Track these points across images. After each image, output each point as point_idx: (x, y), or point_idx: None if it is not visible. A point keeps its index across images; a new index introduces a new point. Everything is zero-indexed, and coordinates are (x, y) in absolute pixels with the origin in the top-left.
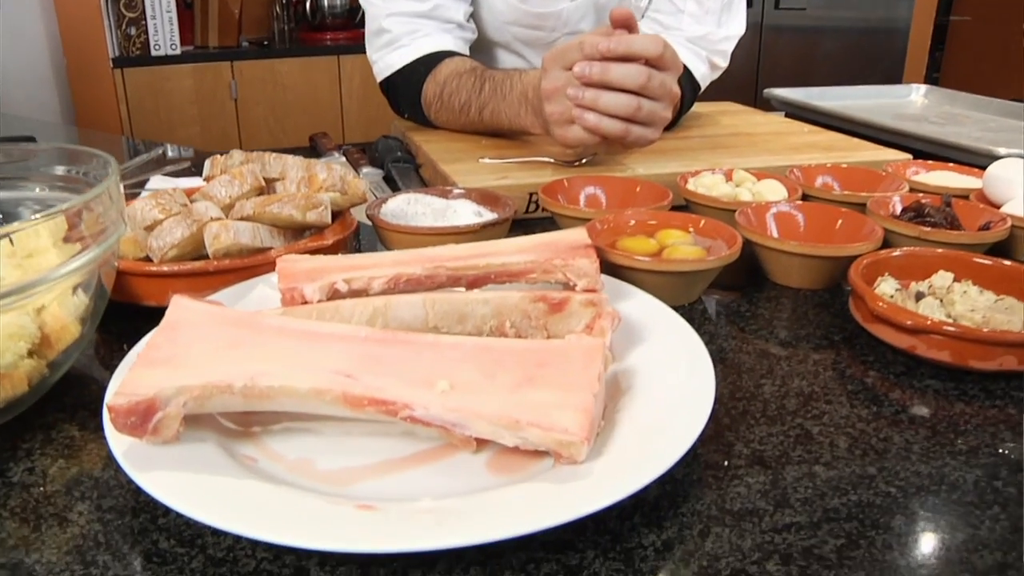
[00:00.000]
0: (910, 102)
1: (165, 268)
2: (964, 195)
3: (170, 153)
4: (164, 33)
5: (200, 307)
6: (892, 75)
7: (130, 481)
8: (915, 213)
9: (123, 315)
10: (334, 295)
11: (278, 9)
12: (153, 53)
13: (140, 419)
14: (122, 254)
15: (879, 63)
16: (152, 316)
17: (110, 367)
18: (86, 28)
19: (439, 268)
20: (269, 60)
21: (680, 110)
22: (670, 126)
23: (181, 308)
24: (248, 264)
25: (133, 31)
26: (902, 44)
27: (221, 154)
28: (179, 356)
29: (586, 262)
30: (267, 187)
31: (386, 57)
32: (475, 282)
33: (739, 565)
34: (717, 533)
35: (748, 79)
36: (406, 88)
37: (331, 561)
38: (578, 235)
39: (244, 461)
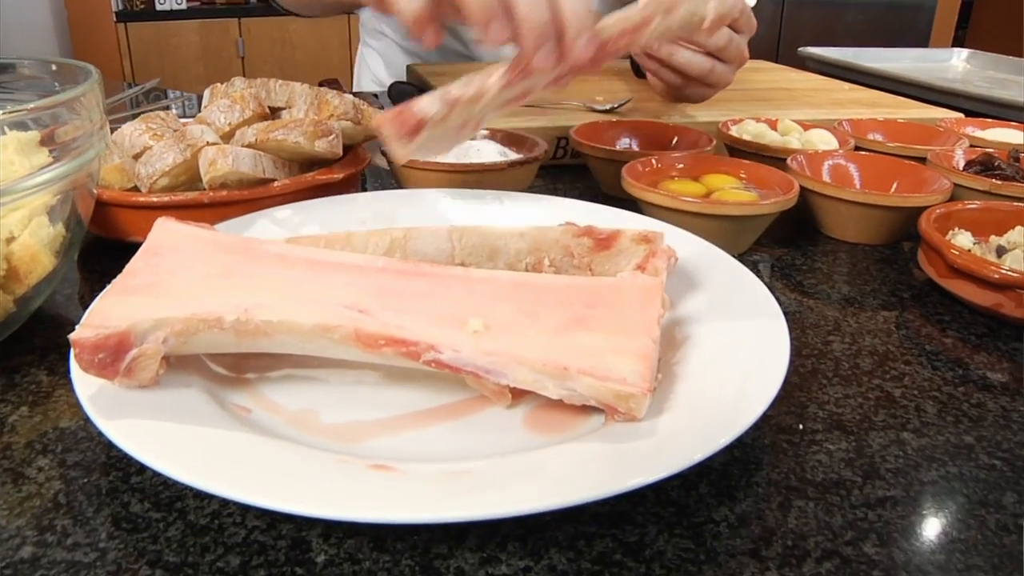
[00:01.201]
0: (951, 66)
1: (154, 199)
2: None
3: (171, 95)
4: None
5: (188, 230)
6: (918, 44)
7: (100, 433)
8: (983, 166)
9: (107, 252)
10: (454, 103)
11: None
12: (158, 7)
13: (111, 356)
14: (107, 183)
15: (904, 36)
16: None
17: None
18: None
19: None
20: (278, 17)
21: None
22: None
23: (166, 231)
24: (248, 196)
25: None
26: (928, 18)
27: (221, 83)
28: (161, 283)
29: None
30: (272, 116)
31: None
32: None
33: (831, 546)
34: (800, 507)
35: (769, 48)
36: None
37: (337, 532)
38: None
39: (236, 411)
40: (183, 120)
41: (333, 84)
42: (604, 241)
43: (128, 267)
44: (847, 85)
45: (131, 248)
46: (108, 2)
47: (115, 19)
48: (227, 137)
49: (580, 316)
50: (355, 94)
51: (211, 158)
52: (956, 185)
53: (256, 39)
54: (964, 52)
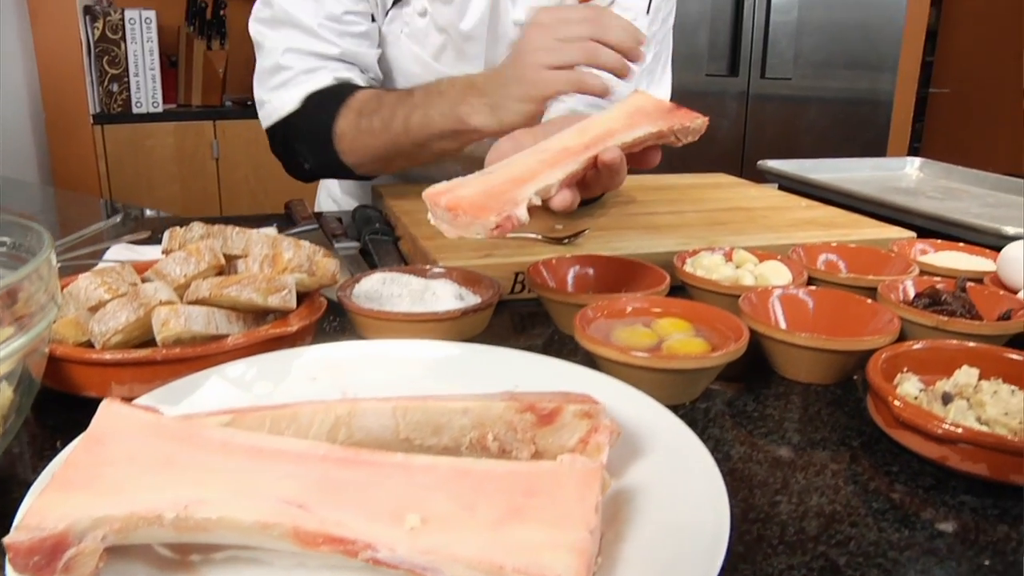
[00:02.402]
0: (905, 175)
1: (107, 356)
2: (978, 278)
3: (148, 213)
4: (147, 90)
5: (132, 415)
6: (876, 144)
7: None
8: (930, 300)
9: (60, 404)
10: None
11: None
12: (135, 110)
13: (46, 558)
14: (60, 337)
15: (864, 132)
16: (93, 407)
17: (38, 468)
18: (67, 83)
19: (588, 159)
20: (252, 120)
21: None
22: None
23: (111, 415)
24: (200, 353)
25: (115, 87)
26: (886, 115)
27: (181, 226)
28: (101, 477)
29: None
30: (228, 264)
31: (281, 95)
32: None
33: None
34: None
35: (735, 146)
36: (308, 124)
37: None
38: (657, 101)
39: None
40: (146, 259)
41: (299, 205)
42: (547, 417)
43: (69, 457)
44: (804, 202)
45: (84, 401)
46: (86, 105)
47: (92, 121)
48: (182, 288)
49: (518, 507)
50: (317, 215)
51: (164, 318)
52: (906, 320)
53: (230, 141)
54: (917, 161)
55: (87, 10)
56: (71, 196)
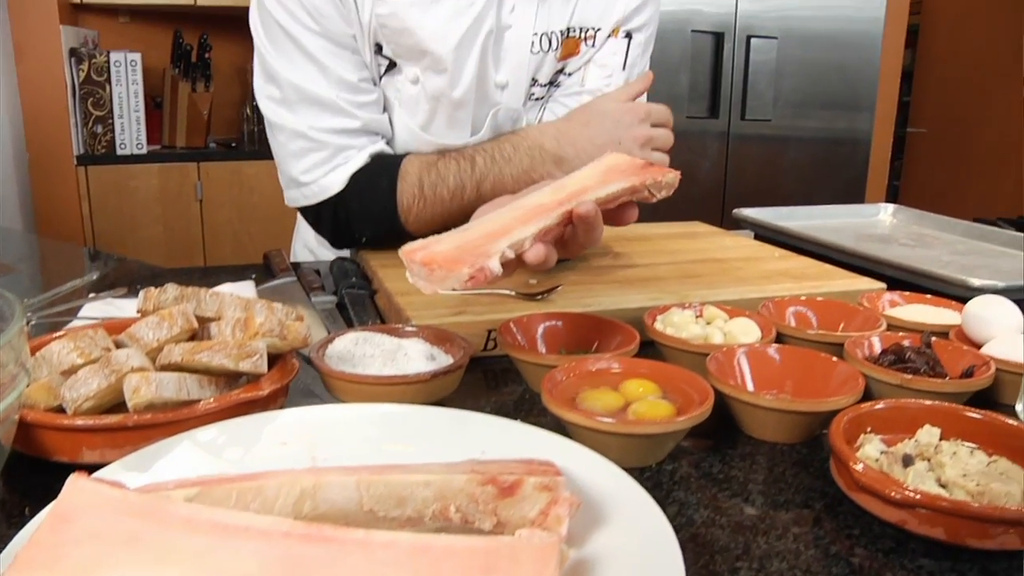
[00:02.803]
0: (878, 221)
1: (79, 422)
2: (944, 331)
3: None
4: (131, 132)
5: (99, 490)
6: (856, 183)
7: None
8: (895, 357)
9: (30, 468)
10: (507, 263)
11: (248, 110)
12: (119, 152)
13: None
14: (32, 402)
15: (843, 172)
16: (64, 472)
17: (5, 536)
18: (51, 124)
19: (562, 215)
20: (236, 162)
21: None
22: None
23: (77, 491)
24: (172, 419)
25: (99, 129)
26: (865, 154)
27: (156, 287)
28: (65, 557)
29: (672, 176)
30: (201, 326)
31: (322, 179)
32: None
33: None
34: None
35: (716, 186)
36: (366, 202)
37: None
38: (629, 159)
39: None
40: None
41: (277, 256)
42: (508, 489)
43: (34, 536)
44: (778, 252)
45: (54, 466)
46: (70, 146)
47: (76, 163)
48: (154, 352)
49: None
50: (295, 266)
51: (135, 385)
52: (870, 378)
53: (214, 182)
54: (891, 207)
55: (73, 52)
56: (51, 244)
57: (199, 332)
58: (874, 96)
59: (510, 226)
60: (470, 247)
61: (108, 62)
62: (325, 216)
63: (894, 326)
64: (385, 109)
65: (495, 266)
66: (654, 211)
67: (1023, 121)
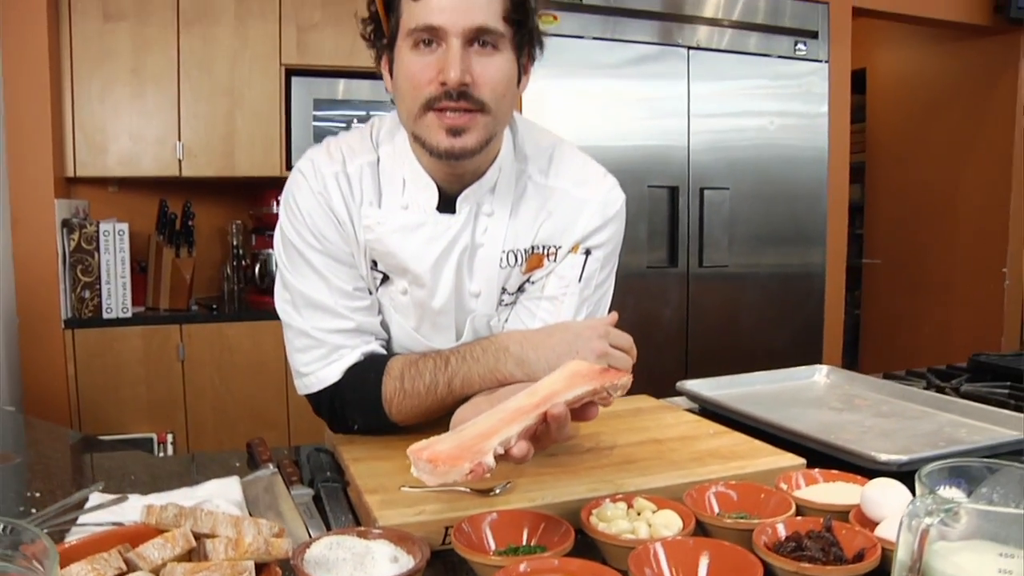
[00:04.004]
0: (814, 383)
1: None
2: (845, 512)
3: (94, 497)
4: (117, 296)
5: None
6: (815, 314)
7: None
8: (795, 544)
9: None
10: (497, 457)
11: (228, 270)
12: (105, 315)
13: None
14: None
15: (801, 304)
16: None
17: None
18: (42, 290)
19: (539, 415)
20: (217, 323)
21: None
22: None
23: None
24: None
25: (87, 294)
26: (820, 286)
27: (158, 505)
28: None
29: (625, 379)
30: (198, 541)
31: (320, 372)
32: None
33: None
34: None
35: (679, 328)
36: (357, 394)
37: None
38: (589, 365)
39: None
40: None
41: (260, 446)
42: None
43: None
44: (712, 428)
45: None
46: (58, 311)
47: (63, 326)
48: (157, 570)
49: None
50: (294, 449)
51: None
52: (772, 566)
53: (196, 344)
54: (824, 369)
55: (65, 223)
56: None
57: (196, 548)
58: (823, 232)
59: (497, 427)
60: (467, 446)
61: (98, 231)
62: (324, 403)
63: (802, 506)
64: (382, 312)
65: (490, 461)
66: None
67: (968, 251)
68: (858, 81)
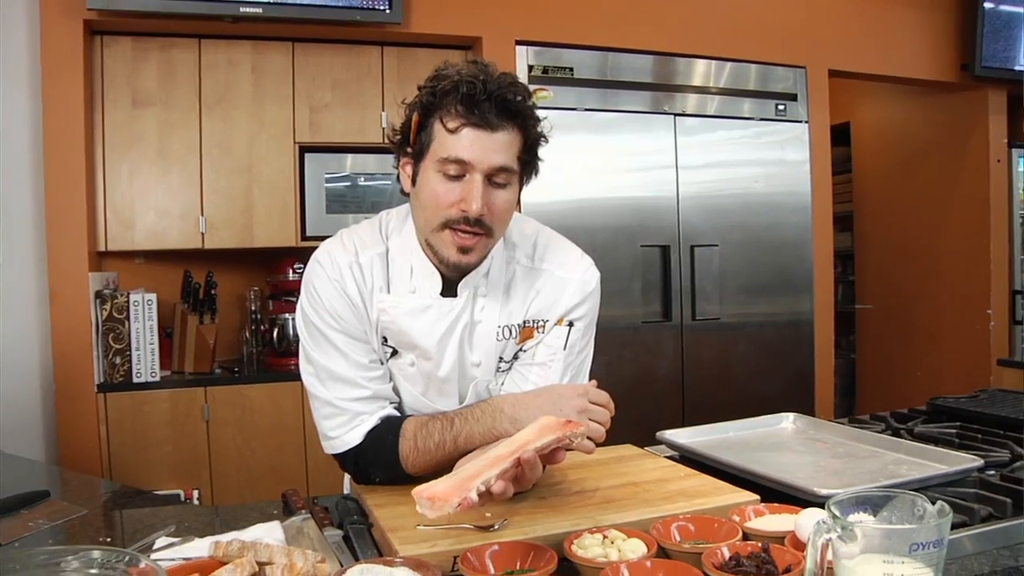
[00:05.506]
0: (781, 430)
1: None
2: (782, 537)
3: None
4: (146, 362)
5: None
6: (806, 360)
7: None
8: (735, 563)
9: None
10: (482, 495)
11: (247, 334)
12: (135, 380)
13: None
14: None
15: (793, 351)
16: None
17: None
18: (77, 357)
19: (514, 460)
20: (239, 385)
21: None
22: None
23: None
24: None
25: (118, 360)
26: (809, 332)
27: (224, 541)
28: None
29: (582, 429)
30: (260, 568)
31: (344, 436)
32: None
33: None
34: None
35: (675, 379)
36: (378, 454)
37: None
38: (556, 419)
39: None
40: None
41: (294, 495)
42: None
43: None
44: (684, 472)
45: None
46: (92, 376)
47: (96, 390)
48: None
49: None
50: (314, 499)
51: None
52: None
53: (220, 405)
54: (791, 415)
55: (98, 294)
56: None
57: (258, 573)
58: (811, 281)
59: (481, 470)
60: (457, 485)
61: (128, 302)
62: (349, 462)
63: (748, 533)
64: (392, 380)
65: (474, 496)
66: (630, 411)
67: (953, 294)
68: (843, 134)
